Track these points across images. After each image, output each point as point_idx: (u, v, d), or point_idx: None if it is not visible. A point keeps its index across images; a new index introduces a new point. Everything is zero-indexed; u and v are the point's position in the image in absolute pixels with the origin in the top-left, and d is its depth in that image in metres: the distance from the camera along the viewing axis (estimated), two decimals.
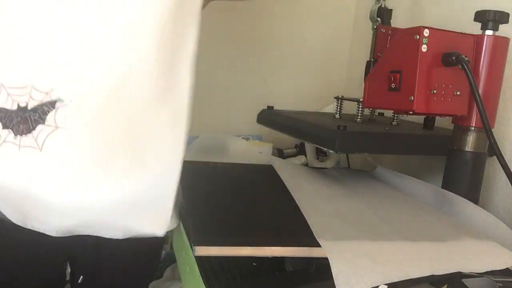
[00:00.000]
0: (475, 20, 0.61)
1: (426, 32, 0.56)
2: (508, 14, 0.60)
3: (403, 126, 0.82)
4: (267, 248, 0.47)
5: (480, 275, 0.46)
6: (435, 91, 0.58)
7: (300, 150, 1.09)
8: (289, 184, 0.65)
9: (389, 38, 0.74)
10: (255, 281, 0.48)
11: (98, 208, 0.54)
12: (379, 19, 0.78)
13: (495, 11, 0.59)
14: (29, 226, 0.55)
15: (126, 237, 0.58)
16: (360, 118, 0.80)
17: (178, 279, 1.07)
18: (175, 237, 0.70)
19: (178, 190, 0.67)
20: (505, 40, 0.61)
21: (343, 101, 0.85)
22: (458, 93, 0.59)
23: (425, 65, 0.57)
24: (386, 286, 0.41)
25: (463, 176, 0.63)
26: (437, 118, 0.81)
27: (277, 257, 0.50)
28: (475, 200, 0.63)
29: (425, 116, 0.80)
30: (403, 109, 0.59)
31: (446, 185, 0.65)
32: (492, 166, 0.73)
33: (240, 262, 0.50)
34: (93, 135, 0.51)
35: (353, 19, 1.26)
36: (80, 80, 0.49)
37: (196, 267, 0.50)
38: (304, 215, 0.54)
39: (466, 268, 0.46)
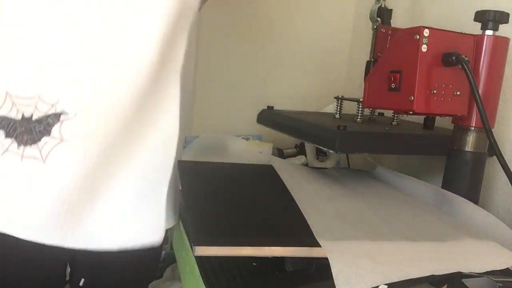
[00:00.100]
0: (475, 20, 0.61)
1: (426, 32, 0.56)
2: (508, 14, 0.60)
3: (403, 126, 0.82)
4: (267, 248, 0.47)
5: (480, 275, 0.46)
6: (435, 91, 0.58)
7: (300, 150, 1.09)
8: (289, 184, 0.65)
9: (389, 38, 0.74)
10: (255, 281, 0.48)
11: (97, 221, 0.55)
12: (379, 19, 0.78)
13: (495, 11, 0.59)
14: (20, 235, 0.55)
15: (121, 249, 0.58)
16: (360, 118, 0.80)
17: (178, 279, 1.07)
18: (175, 237, 0.70)
19: (177, 189, 0.67)
20: (505, 40, 0.61)
21: (343, 101, 0.85)
22: (458, 93, 0.59)
23: (425, 65, 0.57)
24: (386, 286, 0.41)
25: (463, 176, 0.63)
26: (437, 118, 0.81)
27: (277, 257, 0.50)
28: (475, 200, 0.63)
29: (425, 116, 0.80)
30: (403, 109, 0.59)
31: (446, 185, 0.65)
32: (492, 166, 0.73)
33: (240, 262, 0.50)
34: (96, 149, 0.52)
35: (353, 19, 1.26)
36: (86, 89, 0.50)
37: (196, 267, 0.50)
38: (304, 215, 0.54)
39: (466, 268, 0.46)
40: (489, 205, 0.74)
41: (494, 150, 0.55)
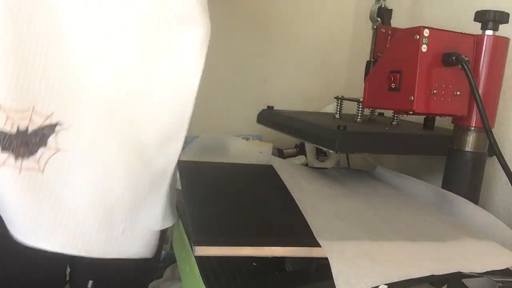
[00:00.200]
0: (475, 20, 0.61)
1: (426, 32, 0.56)
2: (508, 14, 0.60)
3: (403, 126, 0.82)
4: (267, 248, 0.47)
5: (480, 275, 0.46)
6: (435, 91, 0.58)
7: (300, 150, 1.09)
8: (289, 184, 0.65)
9: (389, 38, 0.74)
10: (255, 281, 0.48)
11: (95, 227, 0.55)
12: (379, 19, 0.78)
13: (495, 11, 0.59)
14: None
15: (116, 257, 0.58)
16: (360, 118, 0.80)
17: (178, 279, 1.07)
18: (175, 237, 0.70)
19: (175, 189, 0.68)
20: (505, 40, 0.61)
21: (343, 101, 0.85)
22: (458, 93, 0.59)
23: (425, 65, 0.57)
24: (386, 286, 0.41)
25: (463, 176, 0.63)
26: (437, 118, 0.81)
27: (277, 257, 0.50)
28: (475, 200, 0.63)
29: (425, 116, 0.80)
30: (403, 109, 0.59)
31: (446, 185, 0.65)
32: (492, 166, 0.73)
33: (240, 262, 0.50)
34: (92, 156, 0.52)
35: (353, 19, 1.26)
36: (81, 99, 0.50)
37: (196, 267, 0.50)
38: (304, 215, 0.54)
39: (466, 268, 0.46)
40: (489, 205, 0.74)
41: (494, 150, 0.55)
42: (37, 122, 0.49)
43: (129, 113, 0.53)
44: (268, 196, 0.65)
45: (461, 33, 0.59)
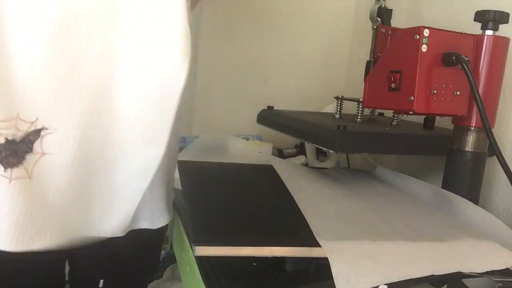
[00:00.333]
0: (475, 20, 0.61)
1: (426, 32, 0.56)
2: (508, 14, 0.60)
3: (403, 126, 0.82)
4: (267, 248, 0.47)
5: (480, 275, 0.46)
6: (435, 91, 0.58)
7: (300, 150, 1.09)
8: (289, 184, 0.65)
9: (389, 38, 0.74)
10: (255, 281, 0.48)
11: (88, 227, 0.57)
12: (379, 19, 0.78)
13: (495, 11, 0.59)
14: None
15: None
16: (360, 118, 0.80)
17: (178, 279, 1.07)
18: (175, 237, 0.70)
19: (171, 187, 0.67)
20: (505, 40, 0.61)
21: (343, 101, 0.85)
22: (458, 93, 0.59)
23: (425, 65, 0.57)
24: (386, 286, 0.41)
25: (463, 176, 0.63)
26: (437, 118, 0.81)
27: (277, 257, 0.50)
28: (475, 200, 0.63)
29: (425, 116, 0.80)
30: (403, 109, 0.59)
31: (446, 185, 0.65)
32: (492, 166, 0.73)
33: (240, 262, 0.50)
34: (78, 157, 0.52)
35: (353, 19, 1.26)
36: (64, 104, 0.50)
37: (196, 267, 0.50)
38: (304, 215, 0.54)
39: (466, 268, 0.46)
40: (489, 205, 0.74)
41: (494, 150, 0.55)
42: (23, 129, 0.49)
43: (111, 113, 0.53)
44: (268, 196, 0.65)
45: (461, 33, 0.59)
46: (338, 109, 0.85)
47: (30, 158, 0.50)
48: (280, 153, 1.07)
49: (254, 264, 0.51)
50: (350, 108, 0.89)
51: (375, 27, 0.77)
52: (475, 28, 0.61)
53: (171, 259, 1.12)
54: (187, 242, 0.59)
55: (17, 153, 0.49)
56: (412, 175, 0.73)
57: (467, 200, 0.61)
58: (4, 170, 0.48)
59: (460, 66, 0.56)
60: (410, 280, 0.42)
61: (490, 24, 0.60)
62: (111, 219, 0.58)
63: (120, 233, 0.60)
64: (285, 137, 0.85)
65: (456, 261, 0.47)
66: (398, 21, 0.80)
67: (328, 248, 0.45)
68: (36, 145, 0.50)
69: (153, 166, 0.56)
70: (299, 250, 0.48)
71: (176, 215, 0.69)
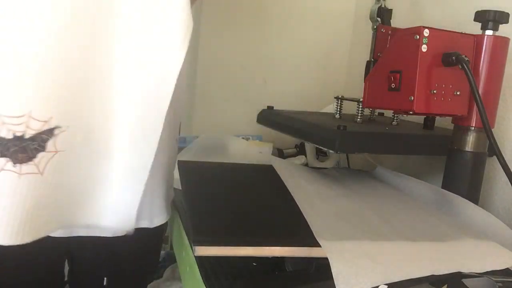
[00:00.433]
0: (475, 20, 0.61)
1: (426, 32, 0.56)
2: (508, 14, 0.60)
3: (403, 126, 0.82)
4: (267, 248, 0.47)
5: (480, 275, 0.46)
6: (435, 91, 0.58)
7: (300, 150, 1.09)
8: (289, 184, 0.65)
9: (389, 38, 0.74)
10: (255, 281, 0.48)
11: (96, 224, 0.58)
12: (379, 19, 0.78)
13: (495, 11, 0.59)
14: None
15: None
16: (360, 118, 0.80)
17: (178, 279, 1.07)
18: (175, 237, 0.70)
19: (170, 186, 0.68)
20: (505, 40, 0.61)
21: (343, 101, 0.85)
22: (458, 93, 0.59)
23: (425, 65, 0.57)
24: (386, 286, 0.41)
25: (463, 176, 0.63)
26: (437, 118, 0.81)
27: (277, 257, 0.50)
28: (475, 200, 0.63)
29: (425, 116, 0.80)
30: (403, 109, 0.59)
31: (446, 185, 0.65)
32: (492, 166, 0.73)
33: (240, 262, 0.50)
34: (85, 154, 0.53)
35: (353, 19, 1.26)
36: (79, 99, 0.51)
37: (196, 267, 0.50)
38: (304, 215, 0.54)
39: (466, 268, 0.46)
40: (489, 205, 0.74)
41: (494, 150, 0.55)
42: (34, 128, 0.48)
43: (112, 112, 0.54)
44: (268, 196, 0.65)
45: (461, 33, 0.59)
46: (338, 109, 0.85)
47: (42, 156, 0.49)
48: (280, 153, 1.07)
49: (254, 264, 0.51)
50: (350, 108, 0.89)
51: (375, 27, 0.77)
52: (475, 28, 0.61)
53: (171, 259, 1.12)
54: (187, 242, 0.59)
55: (26, 150, 0.49)
56: (412, 175, 0.73)
57: (467, 200, 0.61)
58: (14, 165, 0.48)
59: (460, 66, 0.56)
60: (410, 280, 0.42)
61: (490, 24, 0.60)
62: (115, 214, 0.58)
63: (121, 232, 0.60)
64: (285, 137, 0.85)
65: (456, 261, 0.47)
66: (398, 21, 0.80)
67: (328, 248, 0.45)
68: (50, 144, 0.50)
69: (147, 164, 0.56)
70: (299, 250, 0.48)
71: (176, 215, 0.69)
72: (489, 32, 0.60)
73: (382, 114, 0.98)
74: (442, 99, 0.58)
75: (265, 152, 0.97)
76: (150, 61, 0.52)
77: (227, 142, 0.98)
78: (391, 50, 0.63)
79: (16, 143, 0.48)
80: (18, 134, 0.48)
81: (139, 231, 0.62)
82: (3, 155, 0.48)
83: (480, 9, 0.61)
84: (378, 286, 0.41)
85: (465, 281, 0.45)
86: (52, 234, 0.56)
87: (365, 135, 0.70)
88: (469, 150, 0.62)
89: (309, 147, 1.03)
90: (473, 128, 0.62)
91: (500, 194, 0.73)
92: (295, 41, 1.20)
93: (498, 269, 0.47)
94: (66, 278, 0.72)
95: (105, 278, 0.68)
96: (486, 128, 0.55)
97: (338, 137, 0.65)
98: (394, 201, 0.66)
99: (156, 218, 0.65)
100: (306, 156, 1.03)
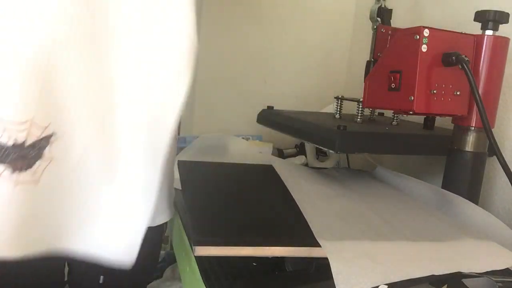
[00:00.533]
0: (475, 20, 0.61)
1: (426, 32, 0.56)
2: (508, 14, 0.60)
3: (403, 126, 0.82)
4: (267, 248, 0.47)
5: (480, 275, 0.46)
6: (435, 91, 0.58)
7: (300, 150, 1.09)
8: (289, 184, 0.65)
9: (389, 38, 0.74)
10: (255, 281, 0.48)
11: (76, 231, 0.54)
12: (379, 19, 0.78)
13: (495, 11, 0.59)
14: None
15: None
16: (360, 118, 0.80)
17: (178, 279, 1.07)
18: (175, 237, 0.70)
19: (172, 184, 0.67)
20: (505, 40, 0.61)
21: (343, 101, 0.85)
22: (458, 93, 0.59)
23: (425, 65, 0.57)
24: (386, 286, 0.41)
25: (463, 176, 0.63)
26: (437, 118, 0.81)
27: (277, 257, 0.50)
28: (475, 200, 0.63)
29: (425, 116, 0.80)
30: (403, 109, 0.59)
31: (446, 185, 0.65)
32: (492, 166, 0.73)
33: (240, 262, 0.50)
34: (82, 164, 0.51)
35: (353, 19, 1.26)
36: (72, 108, 0.49)
37: (196, 267, 0.50)
38: (304, 215, 0.54)
39: (466, 268, 0.46)
40: (489, 205, 0.74)
41: (494, 150, 0.55)
42: (35, 134, 0.48)
43: (113, 116, 0.52)
44: (268, 196, 0.65)
45: (461, 33, 0.59)
46: (338, 109, 0.85)
47: (40, 164, 0.49)
48: (280, 153, 1.07)
49: (254, 264, 0.51)
50: (350, 108, 0.89)
51: (375, 27, 0.77)
52: (475, 28, 0.61)
53: (171, 259, 1.12)
54: (187, 242, 0.59)
55: (25, 158, 0.48)
56: (412, 175, 0.73)
57: (467, 200, 0.61)
58: (12, 173, 0.47)
59: (460, 66, 0.56)
60: (410, 280, 0.42)
61: (490, 24, 0.60)
62: (118, 240, 0.54)
63: (127, 261, 0.56)
64: (285, 137, 0.85)
65: (456, 261, 0.47)
66: (398, 21, 0.80)
67: (328, 248, 0.45)
68: (46, 151, 0.49)
69: (156, 179, 0.53)
70: (299, 250, 0.48)
71: (176, 215, 0.69)
72: (489, 32, 0.60)
73: (382, 114, 0.98)
74: (442, 99, 0.58)
75: (265, 152, 0.97)
76: (151, 62, 0.52)
77: (227, 142, 0.98)
78: (391, 50, 0.63)
79: (16, 150, 0.47)
80: (20, 140, 0.47)
81: None
82: (1, 162, 0.47)
83: (480, 9, 0.61)
84: (378, 286, 0.40)
85: (465, 281, 0.45)
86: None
87: (365, 135, 0.70)
88: (469, 150, 0.62)
89: (309, 147, 1.03)
90: (473, 128, 0.62)
91: (500, 194, 0.73)
92: (295, 41, 1.20)
93: (498, 269, 0.47)
94: (66, 278, 0.72)
95: (101, 277, 0.67)
96: (486, 128, 0.55)
97: (338, 137, 0.65)
98: (394, 201, 0.66)
99: (158, 217, 0.64)
100: (306, 156, 1.03)
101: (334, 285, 0.40)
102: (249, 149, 0.98)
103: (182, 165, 0.71)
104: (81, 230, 0.54)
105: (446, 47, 0.57)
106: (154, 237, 0.72)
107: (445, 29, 0.58)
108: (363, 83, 0.66)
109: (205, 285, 0.46)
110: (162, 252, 1.13)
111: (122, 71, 0.52)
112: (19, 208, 0.48)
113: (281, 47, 1.19)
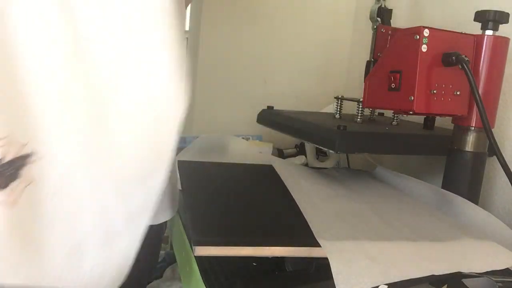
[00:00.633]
0: (475, 20, 0.61)
1: (426, 32, 0.56)
2: (508, 14, 0.60)
3: (403, 126, 0.82)
4: (267, 248, 0.47)
5: (480, 275, 0.46)
6: (435, 91, 0.58)
7: (300, 150, 1.09)
8: (289, 184, 0.65)
9: (389, 38, 0.74)
10: (255, 281, 0.48)
11: (61, 264, 0.49)
12: (379, 19, 0.78)
13: (495, 11, 0.59)
14: None
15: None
16: (360, 118, 0.80)
17: (178, 279, 1.07)
18: (175, 237, 0.70)
19: (174, 183, 0.66)
20: (505, 40, 0.61)
21: (343, 101, 0.85)
22: (458, 93, 0.59)
23: (425, 65, 0.57)
24: (386, 286, 0.41)
25: (463, 176, 0.63)
26: (437, 118, 0.81)
27: (277, 257, 0.50)
28: (475, 200, 0.63)
29: (425, 116, 0.80)
30: (403, 109, 0.59)
31: (446, 185, 0.65)
32: (492, 166, 0.73)
33: (240, 262, 0.50)
34: (64, 188, 0.48)
35: (353, 19, 1.26)
36: (54, 124, 0.46)
37: (196, 267, 0.50)
38: (304, 215, 0.54)
39: (466, 268, 0.46)
40: (489, 205, 0.74)
41: (494, 150, 0.55)
42: (13, 151, 0.45)
43: (104, 145, 0.49)
44: (268, 196, 0.65)
45: (461, 33, 0.59)
46: (338, 109, 0.85)
47: (17, 185, 0.45)
48: (280, 153, 1.07)
49: (254, 264, 0.51)
50: (350, 108, 0.89)
51: (375, 27, 0.77)
52: (475, 28, 0.61)
53: (171, 259, 1.12)
54: (187, 242, 0.59)
55: (2, 176, 0.45)
56: (412, 175, 0.73)
57: (467, 200, 0.61)
58: None
59: (460, 66, 0.56)
60: (410, 280, 0.42)
61: (490, 24, 0.60)
62: (104, 275, 0.51)
63: (115, 285, 0.52)
64: (285, 137, 0.85)
65: (456, 261, 0.47)
66: (398, 21, 0.80)
67: (328, 248, 0.45)
68: (25, 171, 0.45)
69: (152, 200, 0.51)
70: (299, 250, 0.48)
71: (176, 215, 0.69)
72: (489, 32, 0.60)
73: (382, 114, 0.98)
74: (442, 99, 0.58)
75: (265, 152, 0.97)
76: (151, 62, 0.51)
77: (227, 142, 0.98)
78: (391, 50, 0.63)
79: None
80: None
81: None
82: None
83: (480, 9, 0.61)
84: (378, 286, 0.41)
85: (465, 281, 0.45)
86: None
87: (365, 135, 0.70)
88: (469, 150, 0.62)
89: (309, 147, 1.03)
90: (473, 128, 0.62)
91: (500, 194, 0.73)
92: (295, 41, 1.20)
93: (498, 269, 0.47)
94: None
95: None
96: (486, 128, 0.55)
97: (338, 137, 0.65)
98: (394, 201, 0.66)
99: (161, 215, 0.62)
100: (306, 156, 1.03)
101: (334, 285, 0.40)
102: (249, 149, 0.98)
103: (182, 165, 0.71)
104: (68, 262, 0.49)
105: (446, 47, 0.57)
106: (154, 237, 0.72)
107: (445, 29, 0.58)
108: (363, 83, 0.66)
109: (205, 285, 0.47)
110: (162, 252, 1.13)
111: (122, 71, 0.51)
112: None
113: (281, 47, 1.19)
